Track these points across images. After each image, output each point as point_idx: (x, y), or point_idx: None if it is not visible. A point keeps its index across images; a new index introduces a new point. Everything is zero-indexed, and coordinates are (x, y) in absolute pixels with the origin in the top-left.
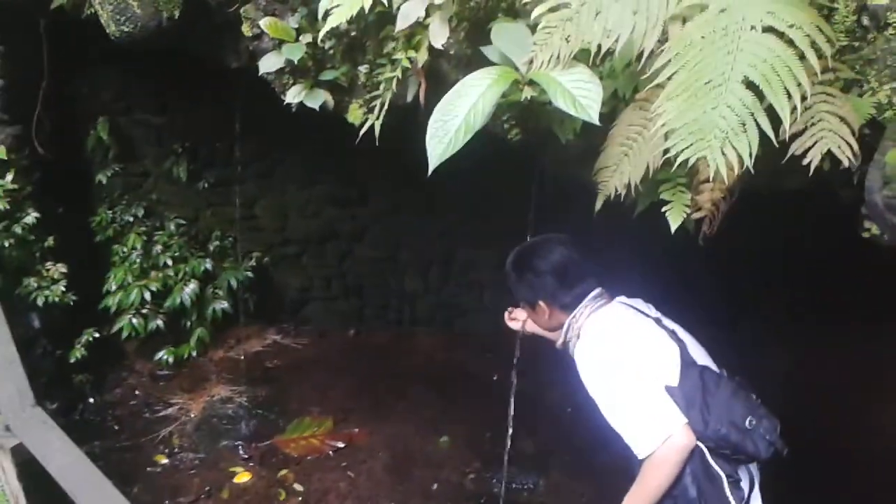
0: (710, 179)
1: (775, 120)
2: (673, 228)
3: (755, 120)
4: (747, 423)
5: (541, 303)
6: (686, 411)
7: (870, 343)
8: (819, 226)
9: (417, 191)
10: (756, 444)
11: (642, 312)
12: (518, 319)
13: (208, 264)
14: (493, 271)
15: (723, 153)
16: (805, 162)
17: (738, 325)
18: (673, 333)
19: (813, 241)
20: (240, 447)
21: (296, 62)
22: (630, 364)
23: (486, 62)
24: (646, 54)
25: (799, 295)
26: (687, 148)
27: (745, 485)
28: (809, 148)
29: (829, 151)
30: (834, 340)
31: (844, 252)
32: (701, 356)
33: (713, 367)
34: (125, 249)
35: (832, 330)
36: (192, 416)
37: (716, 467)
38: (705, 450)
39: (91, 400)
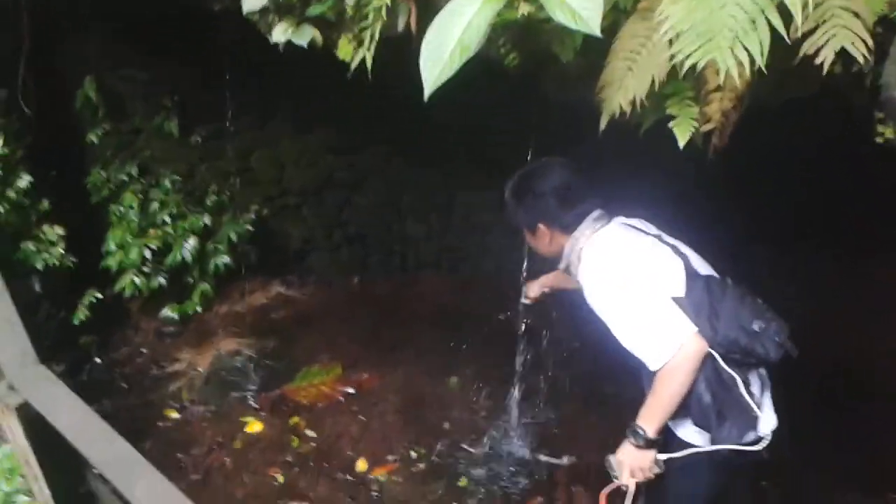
0: (720, 87)
1: (786, 18)
2: (681, 143)
3: (766, 17)
4: (756, 326)
5: (540, 225)
6: (695, 319)
7: (883, 264)
8: (830, 139)
9: (415, 136)
10: (766, 347)
11: (642, 231)
12: (532, 290)
13: (207, 219)
14: (496, 213)
15: (733, 54)
16: (818, 61)
17: (744, 252)
18: (675, 248)
19: (822, 158)
20: (249, 398)
21: None
22: (635, 279)
23: None
24: None
25: (806, 219)
26: (695, 51)
27: (755, 388)
28: (821, 47)
29: (842, 49)
30: (846, 265)
31: (858, 167)
32: (704, 267)
33: (717, 276)
34: (122, 209)
35: (844, 255)
36: (200, 370)
37: (728, 371)
38: (717, 355)
39: (97, 360)
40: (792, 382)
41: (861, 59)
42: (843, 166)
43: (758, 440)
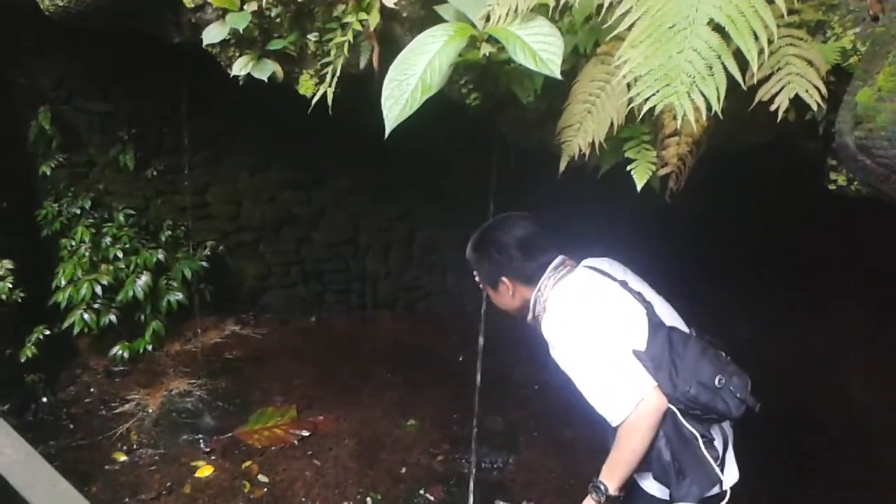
0: (677, 132)
1: (742, 64)
2: (639, 186)
3: (722, 63)
4: (716, 381)
5: (504, 279)
6: (654, 374)
7: (838, 308)
8: (784, 185)
9: (375, 172)
10: (727, 403)
11: (608, 275)
12: None
13: (161, 255)
14: (455, 252)
15: (690, 99)
16: (773, 108)
17: (702, 294)
18: (639, 295)
19: (779, 202)
20: (201, 441)
21: (241, 31)
22: (596, 332)
23: (441, 22)
24: (605, 5)
25: (765, 261)
26: (653, 95)
27: (718, 444)
28: (776, 94)
29: (796, 96)
30: (800, 307)
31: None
32: (669, 316)
33: (682, 326)
34: (73, 243)
35: (799, 296)
36: (150, 411)
37: (689, 428)
38: (676, 411)
39: (44, 399)
40: (753, 431)
41: (814, 107)
42: (796, 211)
43: (720, 496)
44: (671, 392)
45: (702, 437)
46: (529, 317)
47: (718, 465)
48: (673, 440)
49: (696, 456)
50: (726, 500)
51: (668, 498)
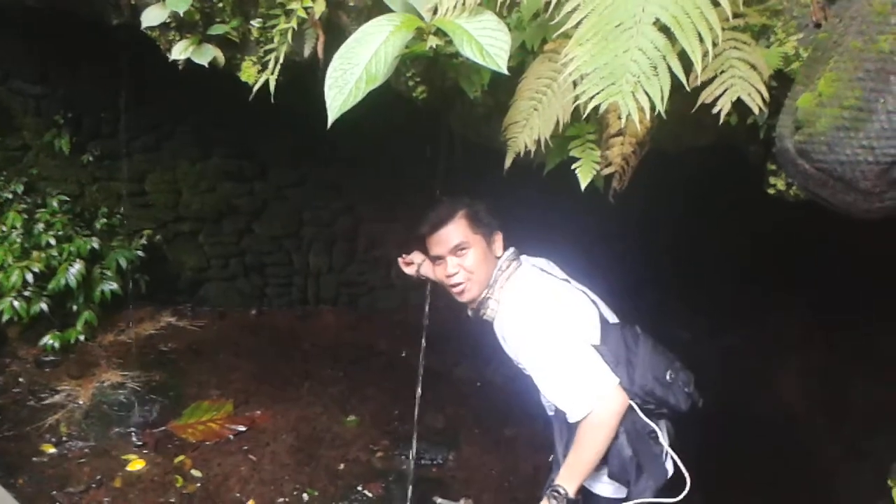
0: (621, 132)
1: (686, 67)
2: (583, 185)
3: (667, 63)
4: (668, 376)
5: (499, 234)
6: (614, 368)
7: (780, 311)
8: (726, 188)
9: (319, 164)
10: (677, 397)
11: (552, 275)
12: (413, 263)
13: (95, 243)
14: (399, 248)
15: (635, 98)
16: (715, 110)
17: (643, 293)
18: (585, 294)
19: (722, 204)
20: (133, 434)
21: (182, 15)
22: (556, 326)
23: (388, 12)
24: (553, 2)
25: (703, 260)
26: (598, 93)
27: (663, 440)
28: (719, 96)
29: (738, 101)
30: (739, 306)
31: (748, 214)
32: (613, 316)
33: (627, 324)
34: (4, 228)
35: (738, 296)
36: (81, 403)
37: (646, 421)
38: (635, 406)
39: None
40: (687, 430)
41: (756, 111)
42: (740, 214)
43: (665, 491)
44: (629, 386)
45: (651, 432)
46: (474, 296)
47: (664, 461)
48: (632, 435)
49: (652, 450)
50: (679, 496)
51: (622, 497)
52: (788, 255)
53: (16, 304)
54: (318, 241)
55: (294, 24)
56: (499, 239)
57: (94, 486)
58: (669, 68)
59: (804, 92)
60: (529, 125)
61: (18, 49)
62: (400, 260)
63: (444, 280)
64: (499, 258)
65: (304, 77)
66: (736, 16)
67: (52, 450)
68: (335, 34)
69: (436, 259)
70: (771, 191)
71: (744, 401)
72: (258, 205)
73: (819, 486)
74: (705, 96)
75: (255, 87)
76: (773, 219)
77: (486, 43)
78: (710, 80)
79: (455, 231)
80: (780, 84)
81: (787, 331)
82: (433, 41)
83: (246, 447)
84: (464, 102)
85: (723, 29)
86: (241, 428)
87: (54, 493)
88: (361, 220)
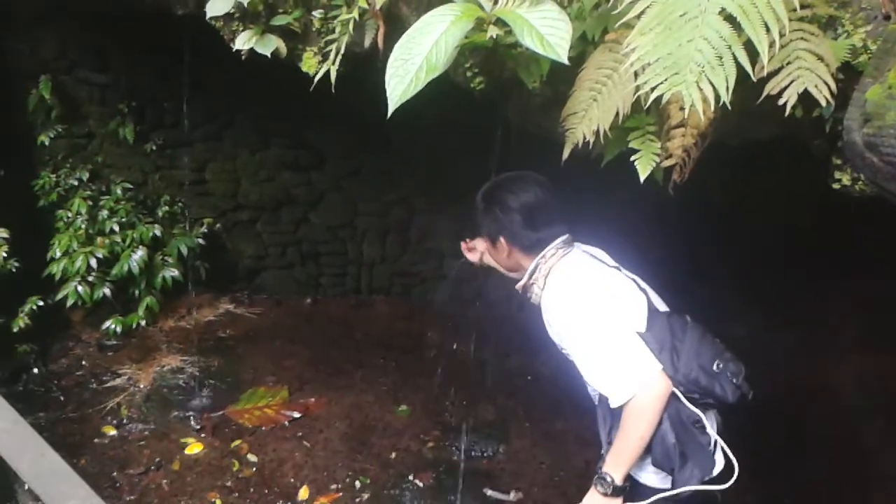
0: (683, 123)
1: (752, 57)
2: (642, 177)
3: (732, 53)
4: (715, 366)
5: (501, 239)
6: (658, 355)
7: (837, 308)
8: (787, 182)
9: (375, 155)
10: (724, 388)
11: (603, 262)
12: (476, 250)
13: (157, 230)
14: (452, 239)
15: (699, 88)
16: (781, 102)
17: (695, 287)
18: (635, 282)
19: (782, 199)
20: (191, 418)
21: (246, 5)
22: (602, 311)
23: (449, 2)
24: None
25: (759, 255)
26: (661, 84)
27: (710, 430)
28: (785, 88)
29: (805, 92)
30: (797, 302)
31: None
32: (663, 305)
33: (677, 313)
34: (70, 214)
35: (796, 293)
36: (142, 386)
37: (691, 410)
38: (679, 394)
39: (35, 370)
40: (739, 424)
41: (823, 103)
42: (798, 209)
43: (715, 480)
44: (673, 374)
45: (697, 422)
46: (521, 283)
47: (712, 452)
48: (676, 423)
49: (697, 439)
50: (724, 485)
51: (668, 486)
52: (848, 251)
53: (80, 288)
54: (371, 231)
55: (356, 14)
56: (502, 247)
57: (153, 468)
58: (735, 58)
59: (873, 84)
60: (588, 116)
61: (83, 39)
62: (462, 245)
63: None
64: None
65: (363, 68)
66: (803, 6)
67: (112, 432)
68: (395, 25)
69: None
70: (836, 185)
71: (800, 398)
72: (315, 195)
73: (876, 488)
74: (771, 87)
75: (317, 78)
76: (834, 212)
77: (547, 32)
78: (776, 72)
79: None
80: (848, 76)
81: (846, 329)
82: (493, 31)
83: (300, 433)
84: (521, 93)
85: (790, 20)
86: (296, 414)
87: (115, 473)
88: (415, 211)
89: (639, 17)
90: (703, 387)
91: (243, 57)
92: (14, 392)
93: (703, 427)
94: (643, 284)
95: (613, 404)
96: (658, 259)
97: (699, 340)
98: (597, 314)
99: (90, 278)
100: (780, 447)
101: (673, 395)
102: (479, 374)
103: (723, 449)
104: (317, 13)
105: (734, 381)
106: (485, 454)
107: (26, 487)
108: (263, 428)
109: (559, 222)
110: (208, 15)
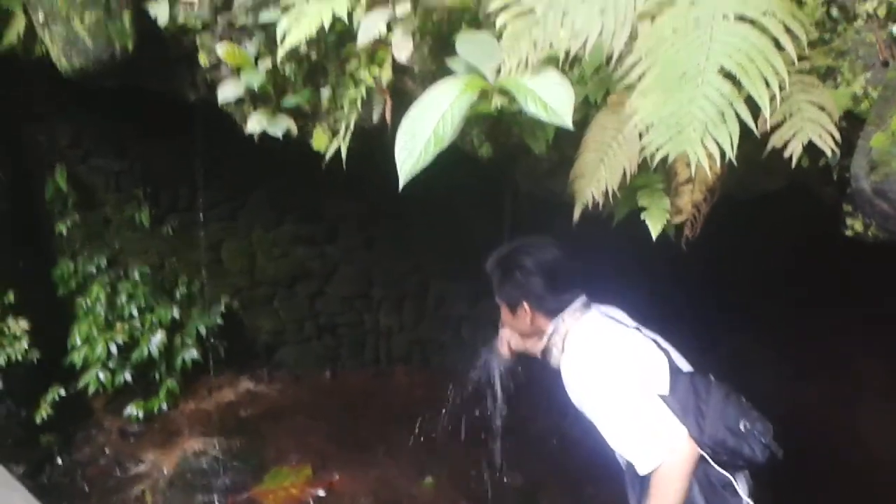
0: (691, 179)
1: (754, 112)
2: (654, 234)
3: (734, 110)
4: (742, 426)
5: (524, 304)
6: (682, 419)
7: (861, 362)
8: (803, 231)
9: (387, 225)
10: (752, 448)
11: (622, 323)
12: (503, 340)
13: (175, 312)
14: (469, 304)
15: (703, 146)
16: (786, 154)
17: (719, 339)
18: (656, 342)
19: (792, 250)
20: (216, 501)
21: (256, 89)
22: (622, 376)
23: (452, 75)
24: (615, 55)
25: (777, 310)
26: (666, 143)
27: (742, 492)
28: (789, 140)
29: (810, 142)
30: (823, 351)
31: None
32: (685, 364)
33: (699, 373)
34: (89, 302)
35: (821, 342)
36: (165, 472)
37: (721, 473)
38: (707, 457)
39: (59, 461)
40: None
41: (828, 152)
42: (811, 258)
43: None
44: (699, 437)
45: (727, 485)
46: (539, 349)
47: None
48: (705, 487)
49: (727, 503)
50: None
51: None
52: (873, 297)
53: (101, 375)
54: (387, 300)
55: (363, 92)
56: (526, 311)
57: None
58: (737, 114)
59: (877, 132)
60: (596, 177)
61: (97, 127)
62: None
63: None
64: (538, 325)
65: (373, 142)
66: (801, 58)
67: None
68: (401, 99)
69: None
70: (849, 232)
71: (829, 450)
72: (329, 267)
73: None
74: (775, 140)
75: (328, 155)
76: (853, 261)
77: (550, 99)
78: (780, 124)
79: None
80: (851, 124)
81: (875, 377)
82: (497, 100)
83: None
84: (528, 158)
85: (788, 73)
86: (321, 493)
87: None
88: (430, 278)
89: (639, 79)
90: (731, 448)
91: (255, 139)
92: (39, 484)
93: (735, 490)
94: (664, 344)
95: (640, 472)
96: (676, 314)
97: (724, 401)
98: (617, 379)
99: (111, 364)
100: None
101: (701, 457)
102: (504, 440)
103: None
104: (325, 91)
105: (762, 440)
106: None
107: None
108: None
109: (577, 283)
110: (220, 100)
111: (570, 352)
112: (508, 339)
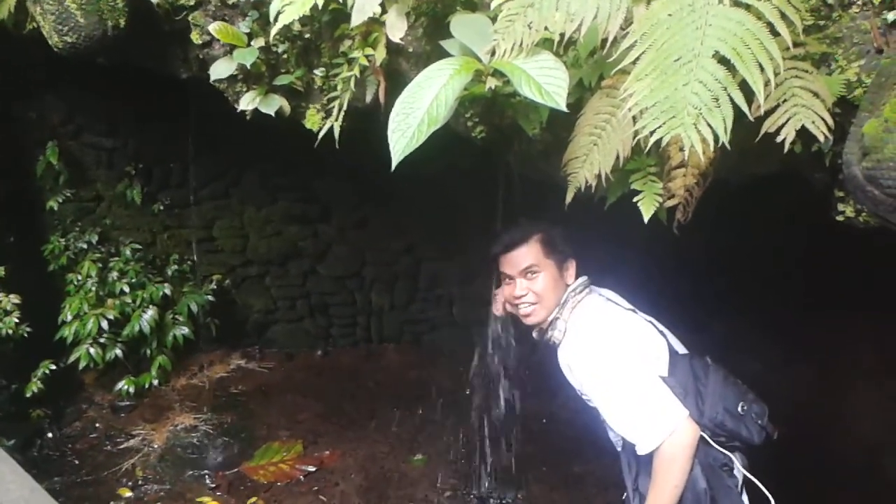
0: (684, 163)
1: (748, 96)
2: (646, 218)
3: (728, 95)
4: (740, 408)
5: (572, 259)
6: (683, 400)
7: (851, 344)
8: (794, 217)
9: (380, 205)
10: (749, 429)
11: (619, 305)
12: (497, 301)
13: (167, 289)
14: (460, 284)
15: (697, 130)
16: (779, 139)
17: (710, 327)
18: (653, 324)
19: (784, 235)
20: (206, 476)
21: (248, 67)
22: (624, 357)
23: (447, 56)
24: (610, 39)
25: (772, 293)
26: (659, 127)
27: (737, 473)
28: (782, 125)
29: (802, 128)
30: (813, 335)
31: (816, 245)
32: (681, 347)
33: (697, 355)
34: (80, 277)
35: (810, 325)
36: (156, 446)
37: (719, 453)
38: (707, 438)
39: (49, 435)
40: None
41: (821, 138)
42: (802, 242)
43: None
44: (699, 418)
45: (724, 465)
46: (540, 318)
47: (739, 494)
48: (706, 468)
49: (724, 482)
50: None
51: None
52: (862, 281)
53: (92, 351)
54: (379, 280)
55: (356, 72)
56: (572, 266)
57: None
58: (731, 99)
59: (870, 118)
60: (589, 160)
61: (89, 104)
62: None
63: (512, 300)
64: (569, 285)
65: (366, 122)
66: (796, 45)
67: (128, 493)
68: (395, 79)
69: (506, 278)
70: (840, 218)
71: (820, 432)
72: (322, 247)
73: None
74: (769, 126)
75: (321, 135)
76: (844, 244)
77: (545, 82)
78: (773, 110)
79: (528, 253)
80: (844, 111)
81: (864, 359)
82: (492, 82)
83: (316, 487)
84: (522, 140)
85: (783, 58)
86: (311, 468)
87: None
88: (422, 258)
89: (634, 63)
90: (729, 429)
91: (248, 117)
92: (30, 458)
93: (731, 469)
94: (660, 326)
95: (641, 451)
96: (671, 296)
97: (722, 383)
98: (619, 360)
99: (102, 340)
100: (806, 483)
101: (701, 439)
102: (493, 420)
103: (747, 487)
104: (318, 72)
105: (759, 422)
106: (503, 500)
107: None
108: (279, 483)
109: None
110: (212, 78)
111: (572, 333)
112: (503, 302)
